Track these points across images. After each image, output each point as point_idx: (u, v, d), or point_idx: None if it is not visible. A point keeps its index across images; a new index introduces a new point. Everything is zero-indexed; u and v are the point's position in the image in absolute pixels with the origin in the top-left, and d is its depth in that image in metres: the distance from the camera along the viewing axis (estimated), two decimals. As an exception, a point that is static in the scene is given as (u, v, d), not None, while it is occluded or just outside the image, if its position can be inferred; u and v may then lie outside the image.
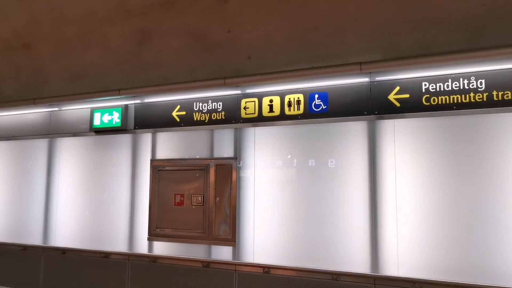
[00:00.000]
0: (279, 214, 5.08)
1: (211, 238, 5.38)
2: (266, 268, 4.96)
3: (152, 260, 5.65)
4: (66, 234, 6.40)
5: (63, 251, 6.28)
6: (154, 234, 5.74)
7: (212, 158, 5.51)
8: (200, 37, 5.52)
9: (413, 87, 4.53)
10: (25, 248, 6.62)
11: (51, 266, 6.39)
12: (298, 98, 5.09)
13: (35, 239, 6.63)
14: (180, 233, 5.56)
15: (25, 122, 7.04)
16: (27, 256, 6.58)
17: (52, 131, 6.76)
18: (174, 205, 5.65)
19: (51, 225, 6.56)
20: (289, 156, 5.07)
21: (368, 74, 4.67)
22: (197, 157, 5.60)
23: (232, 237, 5.26)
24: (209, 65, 5.64)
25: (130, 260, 5.78)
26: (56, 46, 6.32)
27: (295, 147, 5.08)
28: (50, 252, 6.40)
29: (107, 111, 6.22)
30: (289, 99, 5.14)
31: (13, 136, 7.11)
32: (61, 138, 6.67)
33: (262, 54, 5.38)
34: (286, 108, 5.15)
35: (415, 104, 4.50)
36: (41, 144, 6.83)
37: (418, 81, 4.52)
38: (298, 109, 5.08)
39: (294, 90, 5.13)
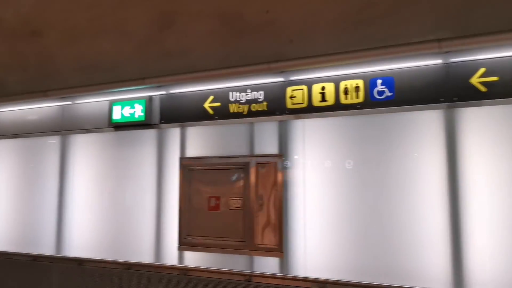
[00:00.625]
0: (335, 220, 4.41)
1: (253, 247, 4.71)
2: (322, 284, 4.28)
3: (183, 272, 5.01)
4: (82, 243, 5.85)
5: (79, 262, 5.68)
6: (185, 243, 5.10)
7: (252, 156, 4.84)
8: (233, 19, 4.98)
9: (503, 68, 3.85)
10: (35, 258, 6.06)
11: (65, 279, 5.76)
12: (357, 84, 4.41)
13: (46, 249, 6.08)
14: (216, 242, 4.92)
15: (34, 117, 6.52)
16: (37, 268, 6.00)
17: (64, 127, 6.21)
18: (208, 209, 5.01)
19: (65, 232, 6.00)
20: (346, 152, 4.41)
21: (444, 54, 3.99)
22: (235, 154, 4.94)
23: (278, 247, 4.59)
24: (244, 51, 5.06)
25: (157, 272, 5.15)
26: (67, 33, 5.80)
27: (354, 142, 4.40)
28: (64, 263, 5.81)
29: (128, 104, 5.57)
30: (346, 85, 4.46)
31: (21, 134, 6.59)
32: (75, 135, 6.11)
33: (307, 37, 4.83)
34: (342, 96, 4.47)
35: (506, 88, 3.81)
36: (53, 142, 6.27)
37: (509, 61, 3.83)
38: (357, 97, 4.40)
39: (351, 75, 4.46)
